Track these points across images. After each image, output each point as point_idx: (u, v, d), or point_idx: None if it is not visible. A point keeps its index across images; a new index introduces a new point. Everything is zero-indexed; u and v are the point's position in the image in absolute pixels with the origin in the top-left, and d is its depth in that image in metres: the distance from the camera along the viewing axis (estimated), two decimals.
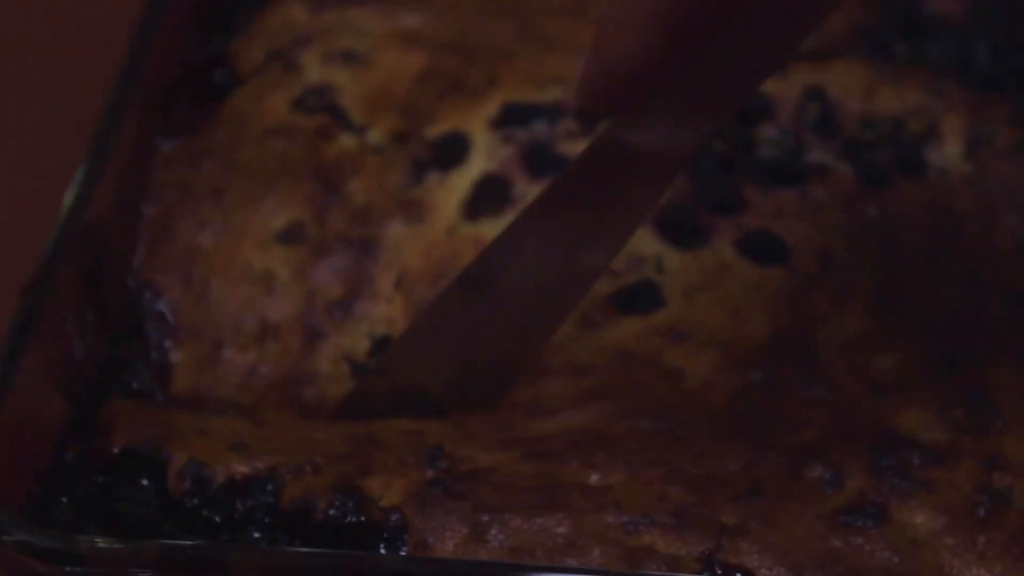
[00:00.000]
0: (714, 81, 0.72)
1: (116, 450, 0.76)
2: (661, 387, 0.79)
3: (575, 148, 0.86)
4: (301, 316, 0.83)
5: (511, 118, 0.88)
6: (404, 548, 0.73)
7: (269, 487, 0.75)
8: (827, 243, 0.84)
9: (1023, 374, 0.79)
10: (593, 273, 0.78)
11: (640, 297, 0.82)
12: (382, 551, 0.73)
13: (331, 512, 0.74)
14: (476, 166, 0.87)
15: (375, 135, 0.88)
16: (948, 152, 0.88)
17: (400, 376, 0.80)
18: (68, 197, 0.81)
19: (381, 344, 0.82)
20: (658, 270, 0.82)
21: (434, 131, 0.88)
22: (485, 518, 0.73)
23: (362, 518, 0.74)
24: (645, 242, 0.83)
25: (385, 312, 0.83)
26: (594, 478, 0.75)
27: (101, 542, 0.72)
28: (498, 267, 0.78)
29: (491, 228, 0.84)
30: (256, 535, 0.75)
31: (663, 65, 0.70)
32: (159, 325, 0.83)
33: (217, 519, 0.75)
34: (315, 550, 0.73)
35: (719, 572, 0.72)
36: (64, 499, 0.76)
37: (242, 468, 0.75)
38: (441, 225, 0.85)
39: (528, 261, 0.77)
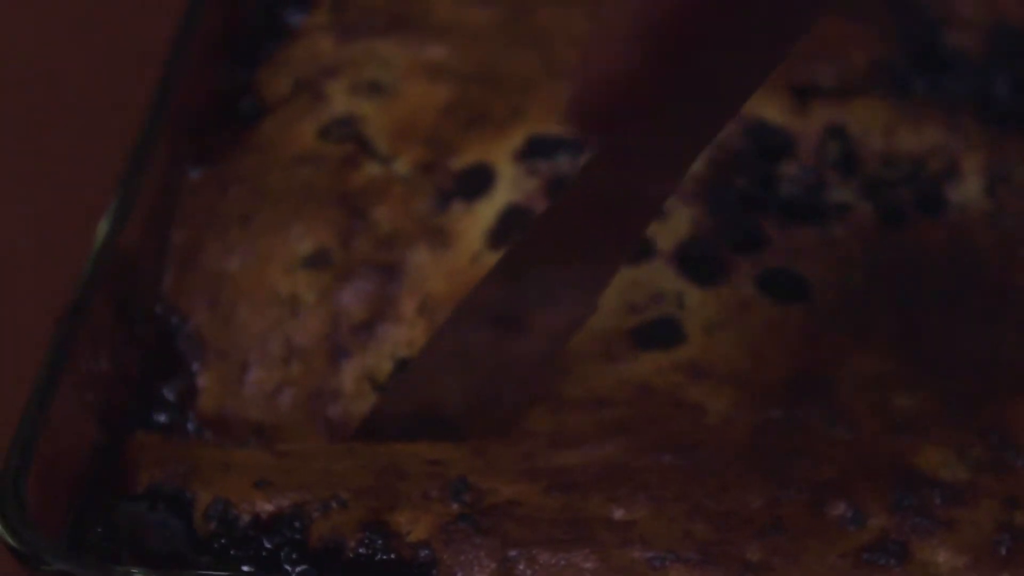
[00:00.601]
0: (700, 96, 0.71)
1: (141, 490, 0.76)
2: (682, 422, 0.78)
3: None
4: (326, 338, 0.83)
5: (536, 151, 0.88)
6: None
7: (296, 524, 0.75)
8: (847, 282, 0.83)
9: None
10: (599, 287, 0.77)
11: (661, 332, 0.81)
12: None
13: (361, 550, 0.74)
14: (501, 197, 0.86)
15: (401, 165, 0.89)
16: (968, 189, 0.88)
17: (416, 397, 0.80)
18: (102, 227, 0.81)
19: (403, 366, 0.82)
20: (679, 306, 0.82)
21: (459, 162, 0.88)
22: (513, 553, 0.73)
23: (392, 555, 0.74)
24: (666, 278, 0.83)
25: (408, 335, 0.83)
26: (618, 513, 0.75)
27: (137, 572, 0.72)
28: (504, 291, 0.78)
29: None
30: (287, 570, 0.75)
31: (648, 80, 0.69)
32: (187, 348, 0.84)
33: (245, 558, 0.75)
34: None
35: None
36: (99, 529, 0.76)
37: (267, 506, 0.75)
38: (466, 253, 0.85)
39: (532, 284, 0.77)
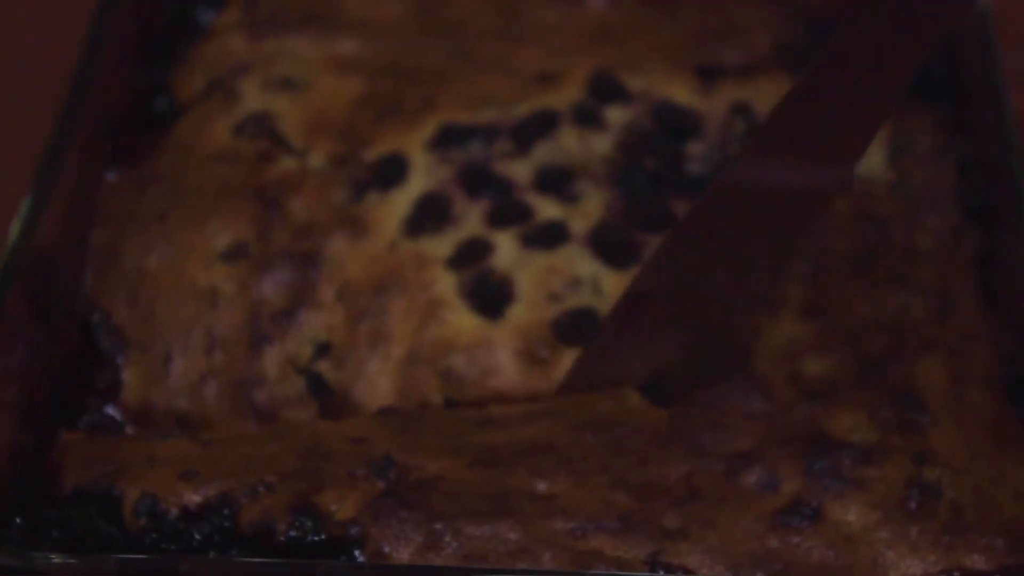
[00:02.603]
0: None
1: (68, 492, 0.76)
2: (606, 406, 0.79)
3: (511, 168, 0.87)
4: (247, 327, 0.82)
5: (447, 139, 0.88)
6: (360, 558, 0.73)
7: (225, 511, 0.74)
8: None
9: (947, 369, 0.80)
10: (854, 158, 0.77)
11: (582, 326, 0.81)
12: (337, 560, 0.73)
13: (292, 532, 0.73)
14: (415, 185, 0.86)
15: (315, 158, 0.88)
16: (872, 161, 0.88)
17: (623, 349, 0.79)
18: (14, 228, 0.80)
19: (323, 349, 0.82)
20: (596, 293, 0.82)
21: (373, 153, 0.88)
22: (439, 526, 0.73)
23: (323, 535, 0.73)
24: (582, 263, 0.83)
25: (327, 320, 0.83)
26: (541, 486, 0.75)
27: (56, 558, 0.72)
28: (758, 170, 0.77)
29: (431, 244, 0.84)
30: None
31: None
32: (109, 344, 0.83)
33: (176, 548, 0.74)
34: (265, 560, 0.73)
35: (662, 573, 0.72)
36: (18, 520, 0.75)
37: (195, 497, 0.75)
38: (382, 240, 0.84)
39: (785, 162, 0.76)
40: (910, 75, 0.74)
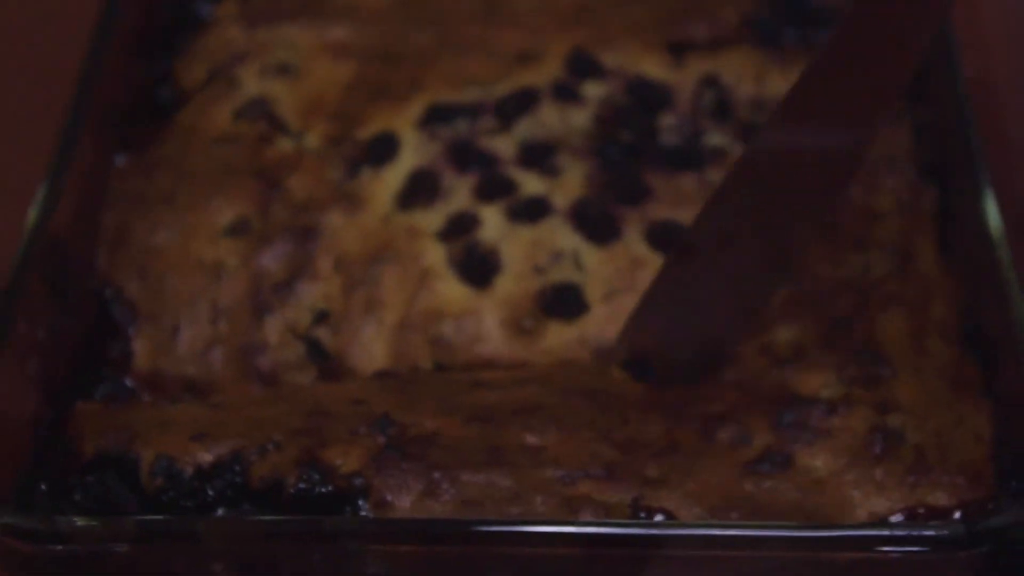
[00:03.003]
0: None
1: (88, 459, 0.79)
2: (591, 378, 0.82)
3: (495, 143, 0.90)
4: (249, 297, 0.85)
5: (435, 117, 0.91)
6: (364, 508, 0.76)
7: (237, 468, 0.77)
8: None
9: (908, 322, 0.83)
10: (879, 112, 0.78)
11: (565, 300, 0.84)
12: (347, 513, 0.76)
13: (301, 485, 0.76)
14: (406, 162, 0.89)
15: (311, 139, 0.91)
16: None
17: (675, 311, 0.82)
18: (32, 213, 0.84)
19: (321, 317, 0.85)
20: (577, 267, 0.85)
21: (365, 133, 0.91)
22: (437, 475, 0.77)
23: (329, 487, 0.76)
24: (564, 236, 0.86)
25: (324, 290, 0.86)
26: (532, 439, 0.78)
27: (80, 521, 0.74)
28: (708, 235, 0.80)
29: (422, 217, 0.87)
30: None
31: None
32: (122, 317, 0.86)
33: (192, 505, 0.77)
34: (277, 517, 0.76)
35: (643, 515, 0.76)
36: (43, 487, 0.78)
37: (207, 456, 0.78)
38: (376, 214, 0.87)
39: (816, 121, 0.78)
40: (928, 37, 0.75)
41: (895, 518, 0.76)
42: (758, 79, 0.92)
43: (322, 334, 0.85)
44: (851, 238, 0.86)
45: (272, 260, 0.86)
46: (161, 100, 0.95)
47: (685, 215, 0.86)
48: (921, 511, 0.76)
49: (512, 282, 0.85)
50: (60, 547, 0.74)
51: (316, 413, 0.80)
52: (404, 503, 0.76)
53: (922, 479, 0.77)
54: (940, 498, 0.76)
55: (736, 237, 0.79)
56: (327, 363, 0.84)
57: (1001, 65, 1.02)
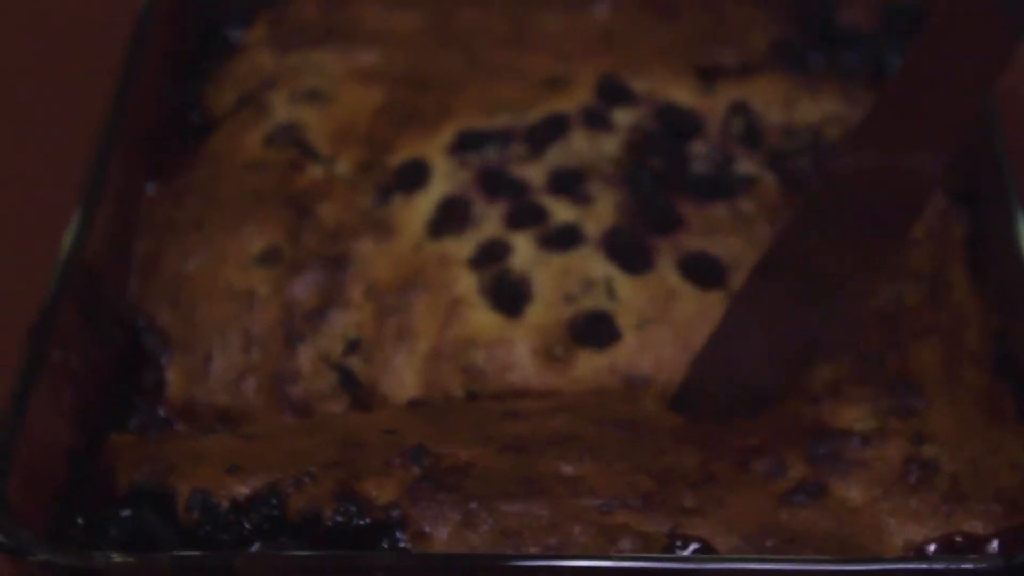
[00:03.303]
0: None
1: (123, 492, 0.78)
2: (623, 408, 0.81)
3: (526, 170, 0.89)
4: (281, 326, 0.85)
5: (465, 144, 0.90)
6: (403, 540, 0.75)
7: (274, 501, 0.76)
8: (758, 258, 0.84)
9: (941, 351, 0.82)
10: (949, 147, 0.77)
11: (597, 329, 0.83)
12: (384, 546, 0.75)
13: (338, 519, 0.76)
14: (437, 189, 0.88)
15: (341, 166, 0.90)
16: None
17: (725, 365, 0.81)
18: (66, 240, 0.83)
19: (353, 345, 0.84)
20: (610, 295, 0.84)
21: (395, 159, 0.90)
22: (474, 505, 0.76)
23: (367, 520, 0.76)
24: (596, 264, 0.85)
25: (356, 318, 0.85)
26: (567, 469, 0.77)
27: (117, 557, 0.74)
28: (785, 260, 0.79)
29: (453, 244, 0.86)
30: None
31: None
32: (154, 346, 0.85)
33: (228, 539, 0.76)
34: (313, 552, 0.75)
35: (680, 544, 0.75)
36: (80, 521, 0.77)
37: (243, 489, 0.77)
38: (407, 242, 0.87)
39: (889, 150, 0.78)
40: (1001, 62, 0.74)
41: (931, 547, 0.75)
42: (787, 105, 0.91)
43: (354, 363, 0.84)
44: (884, 267, 0.84)
45: (303, 288, 0.86)
46: (192, 126, 0.94)
47: (717, 245, 0.85)
48: (958, 539, 0.75)
49: (543, 310, 0.84)
50: None
51: (349, 444, 0.79)
52: (442, 534, 0.75)
53: (957, 508, 0.76)
54: (976, 527, 0.76)
55: (809, 265, 0.79)
56: (359, 392, 0.83)
57: None
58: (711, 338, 0.81)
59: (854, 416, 0.79)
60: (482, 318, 0.84)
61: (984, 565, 0.72)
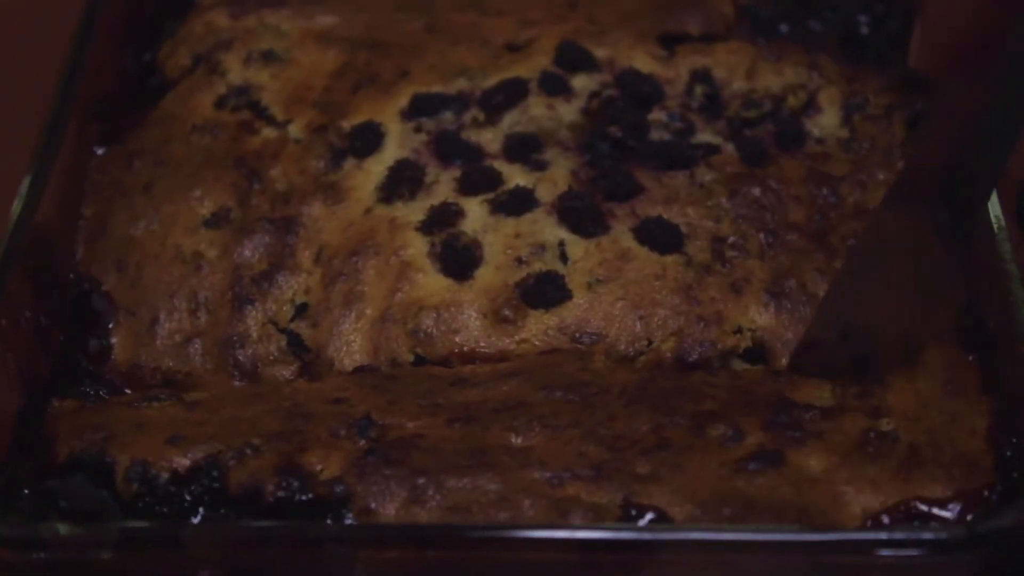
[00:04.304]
0: None
1: (62, 461, 0.75)
2: (572, 367, 0.78)
3: (481, 136, 0.86)
4: (230, 289, 0.82)
5: (420, 109, 0.87)
6: (348, 515, 0.72)
7: (214, 473, 0.74)
8: (718, 229, 0.82)
9: (900, 331, 0.78)
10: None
11: (546, 290, 0.80)
12: (328, 521, 0.72)
13: (280, 494, 0.73)
14: (390, 153, 0.85)
15: (295, 129, 0.87)
16: (825, 122, 0.87)
17: (838, 328, 0.78)
18: (16, 207, 0.80)
19: (301, 309, 0.81)
20: (561, 258, 0.81)
21: (350, 122, 0.87)
22: (421, 480, 0.73)
23: (309, 495, 0.73)
24: (547, 229, 0.82)
25: (305, 282, 0.82)
26: (517, 440, 0.74)
27: (62, 528, 0.71)
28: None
29: (405, 209, 0.83)
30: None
31: (990, 29, 0.69)
32: (100, 311, 0.82)
33: (168, 511, 0.74)
34: (261, 522, 0.72)
35: (635, 513, 0.72)
36: (26, 492, 0.74)
37: (183, 461, 0.74)
38: (358, 206, 0.84)
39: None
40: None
41: (890, 513, 0.72)
42: (749, 74, 0.88)
43: (302, 327, 0.81)
44: (843, 240, 0.82)
45: (252, 251, 0.83)
46: (150, 90, 0.91)
47: (675, 212, 0.82)
48: (918, 505, 0.72)
49: (493, 274, 0.81)
50: (43, 555, 0.71)
51: (295, 414, 0.76)
52: (388, 511, 0.72)
53: (916, 473, 0.73)
54: (936, 490, 0.73)
55: (948, 182, 0.74)
56: (307, 356, 0.80)
57: None
58: (830, 288, 0.78)
59: (814, 393, 0.76)
60: (431, 282, 0.81)
61: (944, 535, 0.70)
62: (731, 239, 0.82)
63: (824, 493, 0.73)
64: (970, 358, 0.78)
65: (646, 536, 0.71)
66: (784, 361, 0.79)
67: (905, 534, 0.70)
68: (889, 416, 0.75)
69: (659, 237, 0.82)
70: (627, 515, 0.72)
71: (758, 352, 0.80)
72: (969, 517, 0.72)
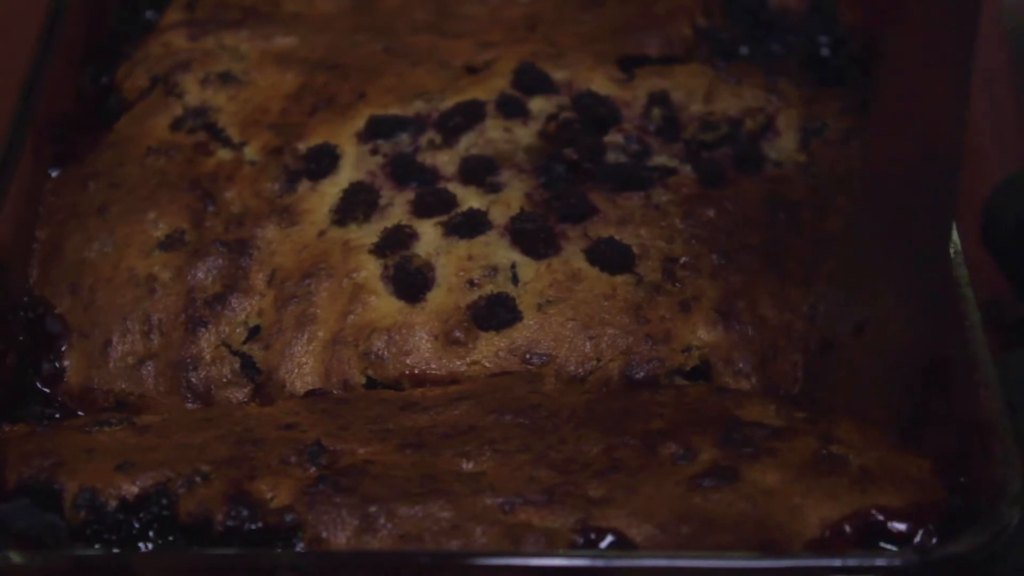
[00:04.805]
0: None
1: (11, 487, 0.74)
2: (521, 390, 0.77)
3: (437, 158, 0.85)
4: (183, 312, 0.81)
5: (377, 131, 0.86)
6: (299, 544, 0.71)
7: (163, 501, 0.72)
8: (671, 249, 0.82)
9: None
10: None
11: (497, 312, 0.80)
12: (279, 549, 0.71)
13: (229, 523, 0.72)
14: (345, 175, 0.84)
15: (251, 151, 0.86)
16: (783, 146, 0.86)
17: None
18: None
19: (254, 332, 0.81)
20: (513, 280, 0.81)
21: (306, 144, 0.86)
22: (373, 509, 0.72)
23: (259, 524, 0.72)
24: (499, 251, 0.81)
25: (258, 305, 0.81)
26: (468, 465, 0.74)
27: (14, 555, 0.70)
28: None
29: (359, 232, 0.82)
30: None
31: None
32: (53, 334, 0.82)
33: (116, 539, 0.73)
34: (214, 550, 0.71)
35: (593, 537, 0.71)
36: None
37: (132, 488, 0.73)
38: (312, 229, 0.83)
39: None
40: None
41: (849, 522, 0.72)
42: (708, 97, 0.87)
43: (254, 350, 0.80)
44: (799, 264, 0.82)
45: (206, 274, 0.82)
46: (108, 112, 0.90)
47: (627, 233, 0.82)
48: (875, 514, 0.72)
49: (445, 296, 0.80)
50: None
51: (245, 440, 0.75)
52: (339, 539, 0.71)
53: (870, 486, 0.72)
54: (892, 500, 0.72)
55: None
56: (259, 379, 0.80)
57: None
58: (832, 287, 0.79)
59: (761, 413, 0.76)
60: (384, 305, 0.80)
61: (898, 562, 0.69)
62: (683, 259, 0.81)
63: (781, 505, 0.72)
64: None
65: (599, 563, 0.70)
66: (728, 381, 0.79)
67: (858, 560, 0.69)
68: (839, 443, 0.75)
69: (610, 258, 0.81)
70: (586, 539, 0.71)
71: (703, 370, 0.79)
72: (923, 530, 0.72)
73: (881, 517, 0.72)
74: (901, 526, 0.72)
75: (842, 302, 0.78)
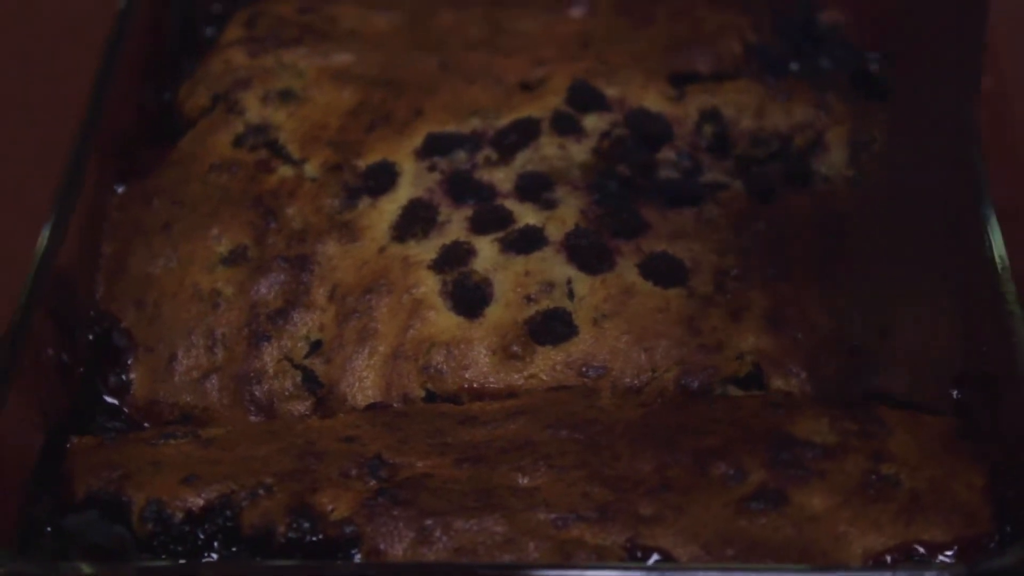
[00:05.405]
0: None
1: (80, 499, 0.75)
2: (578, 404, 0.78)
3: (494, 175, 0.85)
4: (246, 326, 0.82)
5: (434, 148, 0.86)
6: (357, 556, 0.72)
7: (227, 512, 0.73)
8: (722, 262, 0.82)
9: (906, 375, 0.79)
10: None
11: (554, 326, 0.80)
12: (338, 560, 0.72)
13: (291, 535, 0.72)
14: (404, 192, 0.85)
15: (311, 168, 0.87)
16: (832, 161, 0.87)
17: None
18: (39, 247, 0.80)
19: (315, 346, 0.81)
20: (569, 295, 0.81)
21: (365, 161, 0.86)
22: (429, 522, 0.72)
23: (320, 536, 0.72)
24: (555, 266, 0.82)
25: (319, 319, 0.82)
26: (523, 481, 0.74)
27: (84, 567, 0.70)
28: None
29: (417, 248, 0.83)
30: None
31: None
32: (120, 348, 0.82)
33: (182, 550, 0.73)
34: (277, 561, 0.72)
35: (640, 555, 0.72)
36: (49, 530, 0.74)
37: (198, 500, 0.74)
38: (372, 245, 0.83)
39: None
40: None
41: (892, 554, 0.72)
42: (758, 113, 0.88)
43: (316, 364, 0.81)
44: (845, 282, 0.81)
45: (268, 289, 0.82)
46: (168, 127, 0.91)
47: (680, 248, 0.82)
48: (918, 548, 0.72)
49: (503, 311, 0.81)
50: None
51: (307, 453, 0.75)
52: (396, 551, 0.72)
53: (916, 517, 0.73)
54: (936, 535, 0.72)
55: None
56: (320, 392, 0.80)
57: (1013, 79, 0.97)
58: (854, 295, 0.79)
59: (813, 428, 0.76)
60: (443, 320, 0.81)
61: (946, 574, 0.69)
62: (734, 271, 0.82)
63: (826, 533, 0.72)
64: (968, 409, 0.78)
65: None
66: (780, 384, 0.79)
67: (907, 573, 0.70)
68: (891, 461, 0.75)
69: (663, 272, 0.82)
70: (632, 556, 0.72)
71: (756, 377, 0.80)
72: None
73: (923, 551, 0.72)
74: (943, 559, 0.72)
75: (872, 307, 0.79)
